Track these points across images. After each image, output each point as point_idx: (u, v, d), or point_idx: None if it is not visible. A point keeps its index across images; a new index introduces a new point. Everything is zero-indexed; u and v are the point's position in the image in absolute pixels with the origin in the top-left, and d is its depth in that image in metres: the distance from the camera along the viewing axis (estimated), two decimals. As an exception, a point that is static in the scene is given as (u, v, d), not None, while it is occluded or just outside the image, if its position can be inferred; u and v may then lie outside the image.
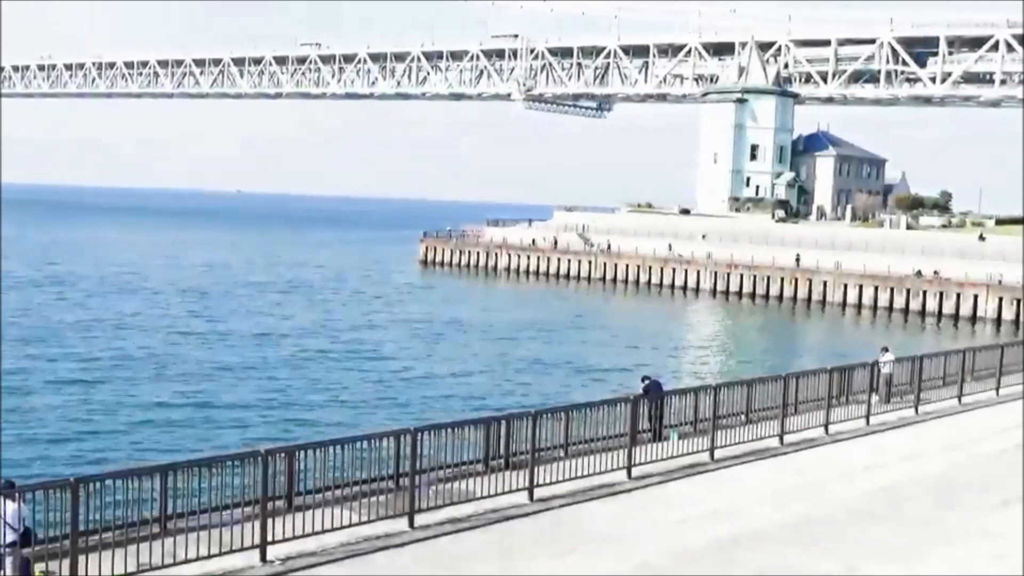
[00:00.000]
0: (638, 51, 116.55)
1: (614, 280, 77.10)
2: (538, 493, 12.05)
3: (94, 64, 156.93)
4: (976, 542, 10.70)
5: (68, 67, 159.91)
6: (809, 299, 67.58)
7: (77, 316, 46.65)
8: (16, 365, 33.91)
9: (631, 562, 9.99)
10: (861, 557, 10.22)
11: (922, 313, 62.42)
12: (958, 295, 62.23)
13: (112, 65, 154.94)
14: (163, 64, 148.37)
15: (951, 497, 12.36)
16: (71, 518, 8.73)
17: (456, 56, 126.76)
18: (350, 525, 10.20)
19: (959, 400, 19.96)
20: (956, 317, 61.16)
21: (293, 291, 64.38)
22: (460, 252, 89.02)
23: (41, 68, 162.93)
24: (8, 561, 9.21)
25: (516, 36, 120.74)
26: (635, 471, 13.32)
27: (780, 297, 68.81)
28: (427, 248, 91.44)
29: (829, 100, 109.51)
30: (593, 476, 12.73)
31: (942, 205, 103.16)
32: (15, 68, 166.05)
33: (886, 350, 20.93)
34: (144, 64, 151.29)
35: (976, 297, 61.58)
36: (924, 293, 63.49)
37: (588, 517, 11.55)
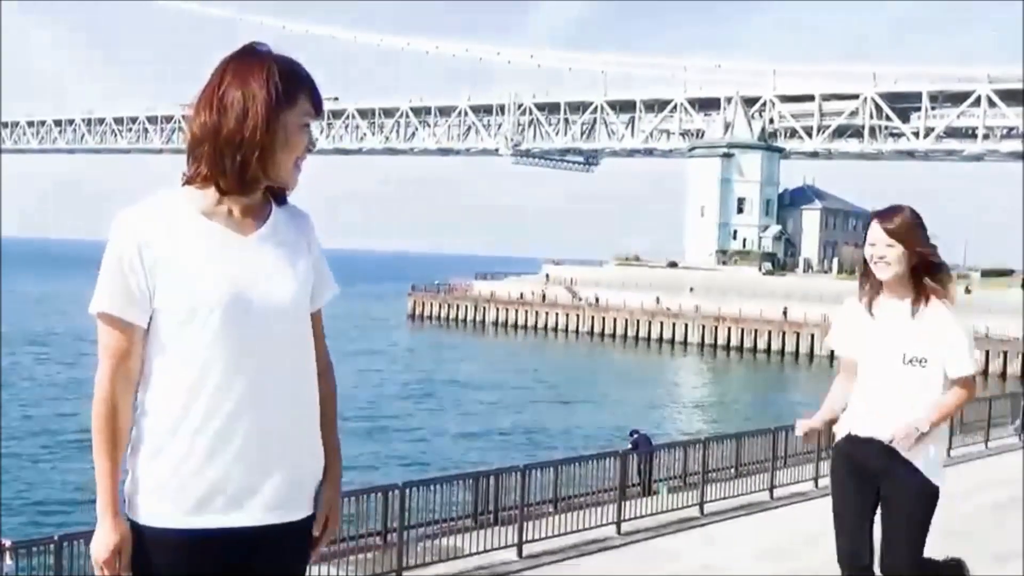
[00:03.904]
0: (625, 106, 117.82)
1: (602, 334, 77.17)
2: (527, 549, 11.93)
3: (83, 120, 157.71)
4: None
5: (57, 123, 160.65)
6: (797, 352, 67.69)
7: (67, 374, 46.37)
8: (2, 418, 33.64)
9: (622, 619, 9.87)
10: (854, 613, 10.12)
11: (910, 365, 62.57)
12: (945, 347, 62.44)
13: (101, 121, 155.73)
14: (152, 120, 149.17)
15: (947, 551, 12.29)
16: (54, 577, 8.60)
17: (444, 112, 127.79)
18: (337, 583, 10.06)
19: (948, 453, 19.92)
20: (944, 369, 61.30)
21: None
22: (448, 306, 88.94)
23: (30, 124, 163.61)
24: (-11, 621, 9.07)
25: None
26: (625, 526, 13.20)
27: (768, 350, 68.93)
28: (415, 302, 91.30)
29: (814, 154, 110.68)
30: (582, 531, 12.61)
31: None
32: (4, 124, 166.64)
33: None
34: (133, 120, 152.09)
35: (963, 349, 61.79)
36: (911, 345, 63.72)
37: (578, 573, 11.43)
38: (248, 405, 2.26)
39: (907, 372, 4.03)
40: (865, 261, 4.16)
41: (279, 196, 2.41)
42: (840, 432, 4.26)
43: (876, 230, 4.08)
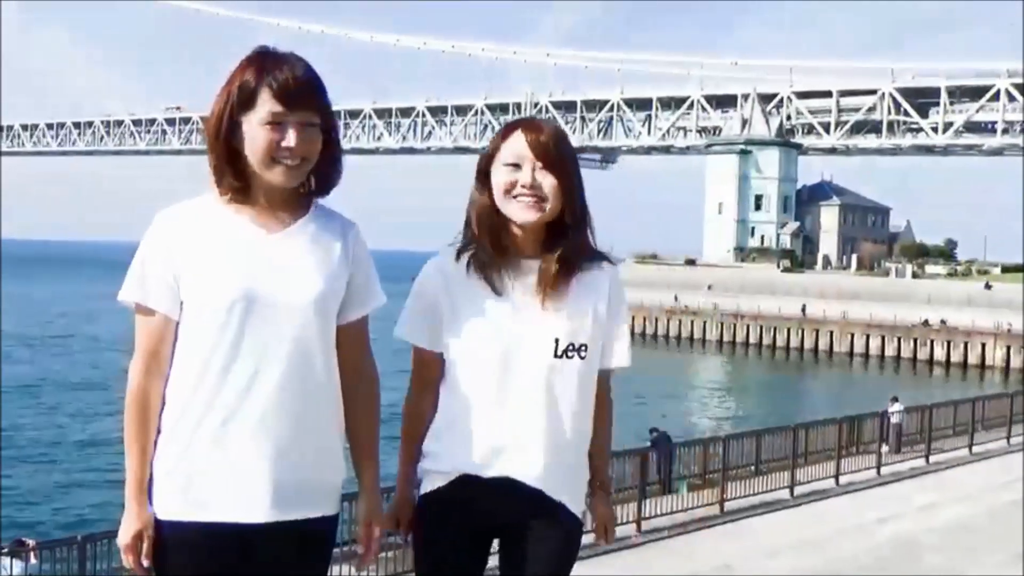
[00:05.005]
0: (641, 104, 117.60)
1: (620, 332, 76.99)
2: (547, 547, 11.91)
3: (102, 122, 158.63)
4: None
5: (76, 125, 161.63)
6: (816, 349, 67.43)
7: (84, 374, 46.61)
8: (21, 421, 33.85)
9: (643, 617, 9.86)
10: (876, 610, 10.07)
11: (930, 362, 62.21)
12: (966, 344, 62.08)
13: (120, 123, 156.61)
14: (171, 122, 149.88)
15: (967, 548, 12.23)
16: (78, 577, 8.67)
17: (461, 111, 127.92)
18: (358, 582, 10.08)
19: (970, 450, 19.82)
20: (964, 366, 60.93)
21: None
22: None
23: (50, 127, 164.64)
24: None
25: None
26: (645, 524, 13.20)
27: (787, 347, 68.67)
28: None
29: (832, 150, 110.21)
30: (603, 530, 12.59)
31: (947, 253, 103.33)
32: (24, 127, 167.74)
33: (895, 399, 20.88)
34: (152, 122, 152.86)
35: (984, 346, 61.41)
36: (931, 342, 63.34)
37: (598, 572, 11.42)
38: (247, 401, 2.29)
39: (561, 368, 2.54)
40: (483, 201, 2.59)
41: (319, 195, 2.46)
42: (435, 469, 2.61)
43: (520, 144, 2.53)
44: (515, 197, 2.51)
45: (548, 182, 2.50)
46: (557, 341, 2.53)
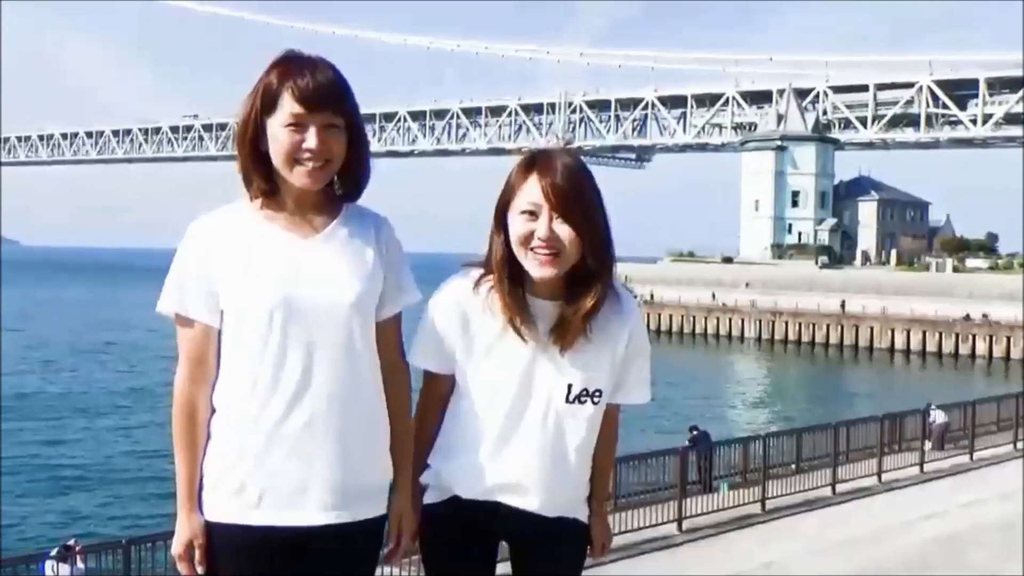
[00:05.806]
0: (676, 102, 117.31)
1: (658, 331, 76.72)
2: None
3: (140, 130, 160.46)
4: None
5: (115, 133, 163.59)
6: (856, 345, 66.79)
7: (128, 382, 47.03)
8: (65, 427, 34.25)
9: (685, 617, 9.82)
10: (921, 609, 9.96)
11: (972, 357, 61.46)
12: (1008, 338, 61.25)
13: (157, 130, 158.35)
14: (207, 128, 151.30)
15: (1013, 546, 12.09)
16: (123, 580, 8.77)
17: (495, 112, 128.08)
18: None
19: (1014, 446, 19.57)
20: (1007, 361, 60.14)
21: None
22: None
23: (89, 135, 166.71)
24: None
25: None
26: (686, 523, 13.16)
27: (826, 344, 68.09)
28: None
29: (869, 145, 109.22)
30: (644, 529, 12.59)
31: (988, 247, 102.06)
32: (63, 136, 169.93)
33: (930, 405, 20.47)
34: (189, 129, 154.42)
35: (1027, 340, 60.61)
36: (973, 337, 62.55)
37: (640, 572, 11.41)
38: (297, 406, 2.31)
39: (574, 413, 2.50)
40: (501, 243, 2.49)
41: (350, 198, 2.46)
42: (433, 484, 2.58)
43: (536, 191, 2.42)
44: (532, 249, 2.41)
45: (566, 233, 2.39)
46: (570, 387, 2.48)
